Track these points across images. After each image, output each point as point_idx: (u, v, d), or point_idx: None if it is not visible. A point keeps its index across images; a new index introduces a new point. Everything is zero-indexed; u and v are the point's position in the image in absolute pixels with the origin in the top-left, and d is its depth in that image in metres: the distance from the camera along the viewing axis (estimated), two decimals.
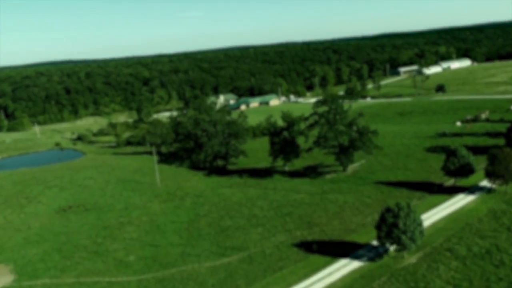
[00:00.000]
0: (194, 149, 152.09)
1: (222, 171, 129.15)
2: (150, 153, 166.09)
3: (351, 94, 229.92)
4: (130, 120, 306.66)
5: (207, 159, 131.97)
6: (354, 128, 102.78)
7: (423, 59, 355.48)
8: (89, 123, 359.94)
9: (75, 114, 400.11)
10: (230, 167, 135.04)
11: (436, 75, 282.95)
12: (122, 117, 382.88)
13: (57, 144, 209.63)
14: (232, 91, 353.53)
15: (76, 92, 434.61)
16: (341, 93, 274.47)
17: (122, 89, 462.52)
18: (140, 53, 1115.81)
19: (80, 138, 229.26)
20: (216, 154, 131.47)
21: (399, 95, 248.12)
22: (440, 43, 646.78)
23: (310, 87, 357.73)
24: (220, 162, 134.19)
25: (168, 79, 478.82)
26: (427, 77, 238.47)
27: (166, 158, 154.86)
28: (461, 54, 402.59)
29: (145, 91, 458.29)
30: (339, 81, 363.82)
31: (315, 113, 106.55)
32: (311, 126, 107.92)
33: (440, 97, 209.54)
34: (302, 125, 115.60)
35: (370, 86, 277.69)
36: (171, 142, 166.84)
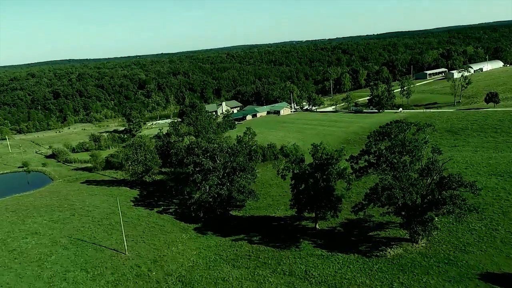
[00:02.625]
0: (187, 179, 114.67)
1: (223, 221, 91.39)
2: (130, 183, 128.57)
3: (379, 103, 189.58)
4: (121, 129, 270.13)
5: (202, 204, 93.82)
6: (435, 176, 63.76)
7: (450, 60, 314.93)
8: (77, 131, 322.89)
9: (63, 121, 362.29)
10: (234, 213, 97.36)
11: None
12: (114, 123, 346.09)
13: (24, 165, 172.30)
14: (235, 96, 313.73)
15: (65, 96, 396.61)
16: (361, 100, 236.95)
17: (116, 92, 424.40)
18: (139, 53, 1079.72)
19: (54, 155, 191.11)
20: (214, 197, 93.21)
21: (434, 104, 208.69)
22: (455, 42, 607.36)
23: (322, 91, 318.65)
24: (219, 208, 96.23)
25: (166, 82, 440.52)
26: (469, 81, 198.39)
27: (148, 194, 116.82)
28: (490, 55, 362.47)
29: (140, 95, 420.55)
30: (355, 85, 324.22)
31: (368, 151, 67.36)
32: (362, 170, 68.57)
33: (491, 108, 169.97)
34: (343, 164, 76.86)
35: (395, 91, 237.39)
36: (157, 171, 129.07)
